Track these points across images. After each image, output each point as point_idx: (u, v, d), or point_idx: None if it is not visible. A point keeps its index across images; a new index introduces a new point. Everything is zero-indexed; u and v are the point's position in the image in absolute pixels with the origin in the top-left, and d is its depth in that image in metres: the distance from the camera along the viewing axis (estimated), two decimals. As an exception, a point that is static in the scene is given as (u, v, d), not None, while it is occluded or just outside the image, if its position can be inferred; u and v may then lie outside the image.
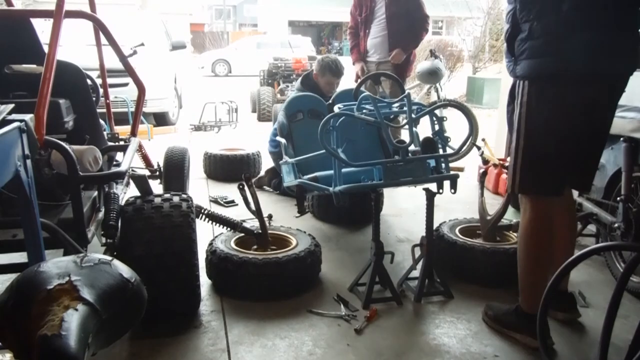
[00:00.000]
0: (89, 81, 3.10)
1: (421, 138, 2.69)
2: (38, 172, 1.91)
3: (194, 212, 2.31)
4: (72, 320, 1.08)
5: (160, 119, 7.77)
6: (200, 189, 4.52)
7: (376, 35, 4.76)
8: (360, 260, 2.89)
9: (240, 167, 4.76)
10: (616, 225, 2.62)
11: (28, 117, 1.50)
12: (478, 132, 5.23)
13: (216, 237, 2.84)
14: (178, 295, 2.23)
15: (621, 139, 2.66)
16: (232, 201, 4.16)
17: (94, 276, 1.22)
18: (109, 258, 1.32)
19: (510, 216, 3.12)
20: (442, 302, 2.62)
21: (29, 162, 1.49)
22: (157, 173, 3.75)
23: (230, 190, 4.21)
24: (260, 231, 2.84)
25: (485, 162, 4.44)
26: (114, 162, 3.22)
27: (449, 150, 2.75)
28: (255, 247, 2.85)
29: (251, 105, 9.46)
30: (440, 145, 2.73)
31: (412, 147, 2.61)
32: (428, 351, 2.21)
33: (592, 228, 3.00)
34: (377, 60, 4.81)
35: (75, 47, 5.50)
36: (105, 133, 3.30)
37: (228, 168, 4.82)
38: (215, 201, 4.21)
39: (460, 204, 4.02)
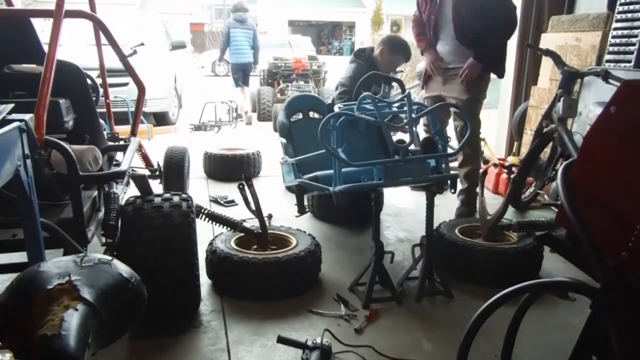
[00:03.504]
0: (89, 81, 3.10)
1: (421, 138, 2.69)
2: (38, 172, 1.91)
3: (194, 212, 2.31)
4: (72, 320, 1.08)
5: (160, 119, 7.77)
6: (200, 189, 4.51)
7: (445, 43, 3.68)
8: (360, 260, 2.89)
9: (240, 167, 4.76)
10: None
11: (28, 117, 1.50)
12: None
13: (216, 237, 2.84)
14: (178, 295, 2.23)
15: None
16: (232, 201, 4.15)
17: (94, 276, 1.22)
18: (109, 258, 1.32)
19: (510, 216, 3.12)
20: (442, 302, 2.62)
21: (29, 162, 1.49)
22: (157, 173, 3.75)
23: (230, 190, 4.21)
24: (260, 231, 2.83)
25: (485, 162, 4.45)
26: (114, 162, 3.22)
27: (449, 150, 2.75)
28: (255, 247, 2.85)
29: (251, 105, 9.46)
30: (440, 145, 2.73)
31: (412, 147, 2.61)
32: (428, 351, 2.21)
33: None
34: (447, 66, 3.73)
35: (75, 47, 5.50)
36: (105, 133, 3.30)
37: (228, 168, 4.82)
38: (215, 201, 4.21)
39: (460, 203, 4.01)
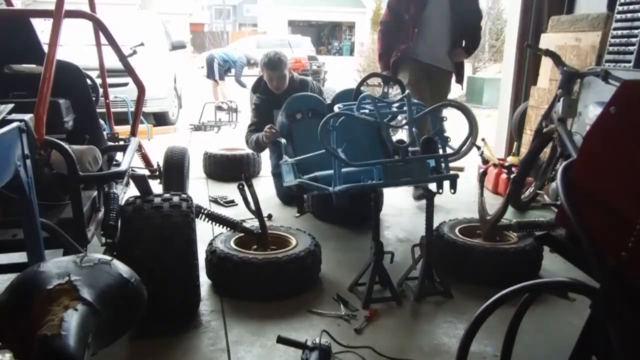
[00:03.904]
0: (88, 81, 3.10)
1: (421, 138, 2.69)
2: (38, 172, 1.91)
3: (193, 212, 2.31)
4: (72, 320, 1.08)
5: (160, 119, 7.77)
6: (200, 189, 4.51)
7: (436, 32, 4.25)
8: (360, 260, 2.89)
9: (240, 167, 4.76)
10: None
11: (28, 117, 1.50)
12: (478, 132, 5.23)
13: (216, 237, 2.84)
14: (178, 295, 2.23)
15: None
16: (232, 201, 4.15)
17: (94, 276, 1.22)
18: (109, 258, 1.32)
19: (510, 216, 3.12)
20: (442, 302, 2.62)
21: (29, 162, 1.49)
22: (157, 173, 3.75)
23: (230, 190, 4.20)
24: (260, 231, 2.83)
25: (485, 162, 4.44)
26: (114, 162, 3.22)
27: (448, 151, 2.75)
28: (255, 247, 2.85)
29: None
30: (440, 146, 2.73)
31: (412, 147, 2.61)
32: (428, 351, 2.21)
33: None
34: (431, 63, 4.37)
35: (75, 47, 5.50)
36: (105, 133, 3.30)
37: (228, 168, 4.82)
38: (215, 201, 4.21)
39: (460, 204, 4.02)
